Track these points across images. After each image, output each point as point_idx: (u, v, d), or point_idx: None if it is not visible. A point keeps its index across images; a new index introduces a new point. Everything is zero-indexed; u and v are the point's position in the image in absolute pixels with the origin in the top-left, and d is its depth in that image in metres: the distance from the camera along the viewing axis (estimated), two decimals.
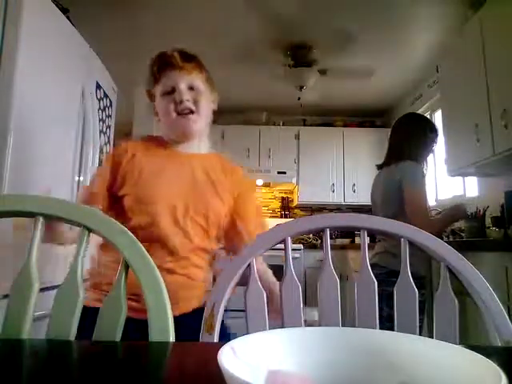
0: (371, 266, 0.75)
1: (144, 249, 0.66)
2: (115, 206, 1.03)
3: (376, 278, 0.73)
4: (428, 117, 3.81)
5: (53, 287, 1.23)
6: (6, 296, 1.23)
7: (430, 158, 2.12)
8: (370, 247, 0.93)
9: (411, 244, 0.74)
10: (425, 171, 1.98)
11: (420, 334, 0.68)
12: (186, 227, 1.02)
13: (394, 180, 1.88)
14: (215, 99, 1.17)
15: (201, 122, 1.09)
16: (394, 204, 1.86)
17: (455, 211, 2.03)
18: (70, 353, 0.55)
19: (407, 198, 1.81)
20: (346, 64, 3.35)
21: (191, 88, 1.06)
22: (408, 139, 1.97)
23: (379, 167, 2.09)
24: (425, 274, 1.83)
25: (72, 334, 0.62)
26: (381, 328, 0.72)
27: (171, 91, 1.05)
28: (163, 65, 1.06)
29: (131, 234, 0.67)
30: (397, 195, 1.84)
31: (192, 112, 1.05)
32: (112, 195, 1.04)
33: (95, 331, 0.63)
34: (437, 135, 2.04)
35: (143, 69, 1.15)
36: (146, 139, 1.15)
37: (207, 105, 1.10)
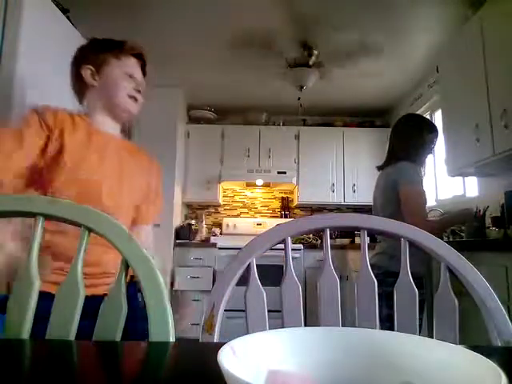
0: (370, 266, 0.75)
1: (145, 251, 0.66)
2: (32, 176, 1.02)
3: (375, 278, 0.73)
4: (428, 117, 3.82)
5: None
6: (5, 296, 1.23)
7: (430, 158, 2.13)
8: (370, 247, 0.93)
9: (410, 244, 0.74)
10: (423, 172, 1.99)
11: (419, 334, 0.68)
12: (119, 203, 1.11)
13: (391, 181, 1.90)
14: None
15: (136, 114, 1.22)
16: (392, 205, 1.87)
17: (462, 217, 2.05)
18: (70, 353, 0.55)
19: (403, 198, 1.82)
20: (347, 63, 3.36)
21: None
22: (405, 140, 1.98)
23: (379, 168, 2.10)
24: (423, 274, 1.83)
25: (72, 334, 0.62)
26: (380, 328, 0.72)
27: (129, 76, 1.17)
28: (133, 52, 1.19)
29: (131, 234, 0.67)
30: (393, 196, 1.85)
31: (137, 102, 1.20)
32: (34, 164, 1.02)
33: (95, 331, 0.63)
34: (436, 135, 2.04)
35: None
36: (72, 114, 1.16)
37: None
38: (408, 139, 1.98)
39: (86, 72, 1.16)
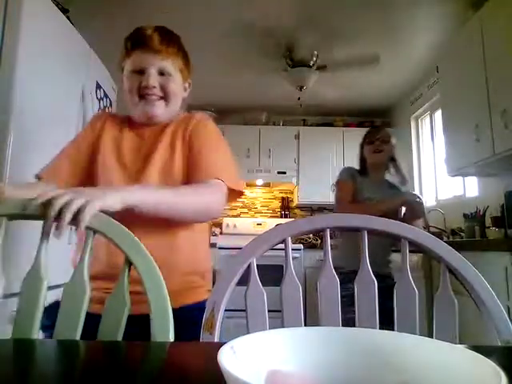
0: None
1: (146, 250, 0.66)
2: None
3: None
4: (428, 117, 3.82)
5: (57, 286, 1.23)
6: (13, 294, 1.23)
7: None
8: None
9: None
10: (352, 171, 2.24)
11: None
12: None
13: None
14: (187, 87, 1.13)
15: (167, 108, 1.03)
16: None
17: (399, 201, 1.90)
18: (71, 352, 0.55)
19: None
20: (347, 63, 3.35)
21: (162, 73, 1.00)
22: None
23: None
24: (344, 266, 1.53)
25: (77, 334, 0.62)
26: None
27: (139, 72, 0.98)
28: (137, 43, 0.99)
29: (134, 235, 0.67)
30: None
31: (160, 98, 1.00)
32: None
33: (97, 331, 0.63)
34: (366, 135, 2.25)
35: None
36: (123, 117, 1.09)
37: (177, 91, 1.05)
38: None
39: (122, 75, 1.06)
